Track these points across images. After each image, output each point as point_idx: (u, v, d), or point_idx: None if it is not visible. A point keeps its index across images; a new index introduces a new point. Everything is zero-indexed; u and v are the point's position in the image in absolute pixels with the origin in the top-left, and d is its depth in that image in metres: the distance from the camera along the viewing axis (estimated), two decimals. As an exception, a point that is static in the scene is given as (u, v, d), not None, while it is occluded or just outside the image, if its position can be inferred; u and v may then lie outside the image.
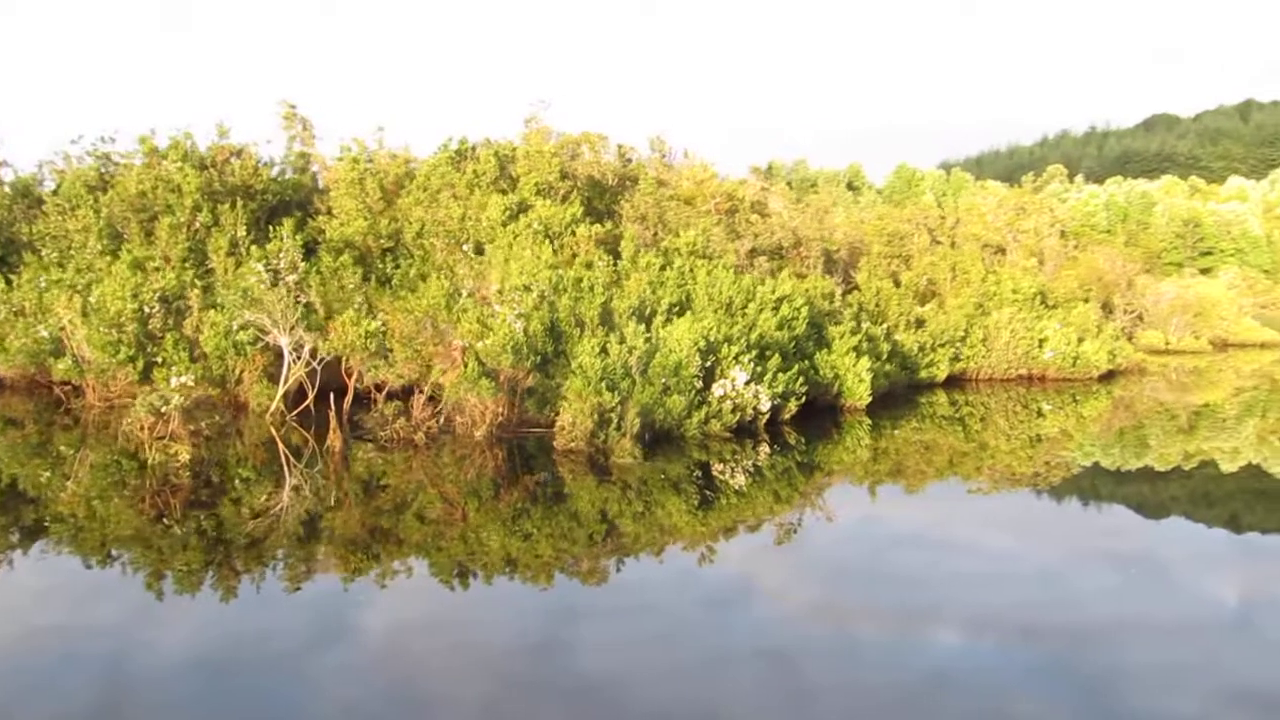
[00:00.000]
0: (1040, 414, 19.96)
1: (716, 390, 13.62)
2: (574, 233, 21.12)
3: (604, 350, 13.71)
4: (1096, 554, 9.19)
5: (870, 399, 16.96)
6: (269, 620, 6.65)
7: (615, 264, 19.37)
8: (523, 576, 7.76)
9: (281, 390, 14.70)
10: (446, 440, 12.80)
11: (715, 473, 11.91)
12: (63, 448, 12.99)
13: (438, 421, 12.80)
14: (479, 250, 21.66)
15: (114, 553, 8.11)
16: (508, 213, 21.83)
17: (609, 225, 22.60)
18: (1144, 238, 79.02)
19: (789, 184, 65.69)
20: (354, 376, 16.21)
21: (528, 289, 15.33)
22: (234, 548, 8.20)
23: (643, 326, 14.26)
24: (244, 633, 6.41)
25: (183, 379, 15.42)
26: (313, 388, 14.67)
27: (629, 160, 29.25)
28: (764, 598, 7.58)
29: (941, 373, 21.52)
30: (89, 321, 16.06)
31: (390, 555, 8.16)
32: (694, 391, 13.48)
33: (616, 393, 12.70)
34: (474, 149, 26.54)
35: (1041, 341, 23.18)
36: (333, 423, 11.82)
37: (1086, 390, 22.84)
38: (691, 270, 17.88)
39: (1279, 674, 6.28)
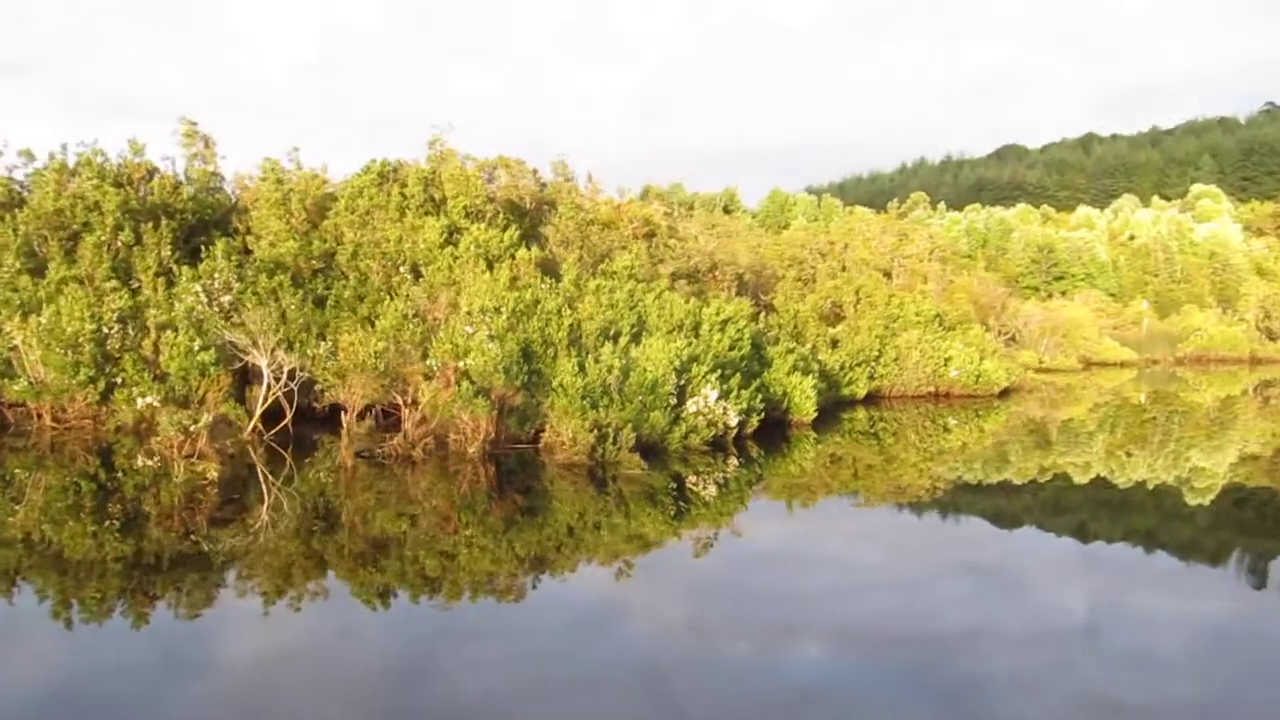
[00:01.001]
0: (947, 429, 21.73)
1: (690, 406, 14.68)
2: (513, 256, 21.87)
3: (582, 369, 14.59)
4: (957, 565, 9.80)
5: (815, 415, 18.34)
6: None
7: (556, 286, 20.21)
8: (448, 594, 7.99)
9: (260, 409, 15.00)
10: (440, 456, 13.46)
11: (690, 485, 12.91)
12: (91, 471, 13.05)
13: (431, 439, 13.42)
14: (416, 272, 22.18)
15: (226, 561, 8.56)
16: (444, 235, 22.41)
17: (534, 249, 23.42)
18: (1002, 262, 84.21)
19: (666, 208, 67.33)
20: (311, 396, 16.65)
21: (498, 311, 16.06)
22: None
23: (610, 347, 15.19)
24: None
25: (148, 399, 15.60)
26: (290, 407, 15.03)
27: (544, 184, 30.12)
28: (643, 615, 7.78)
29: (861, 390, 23.15)
30: (42, 341, 15.95)
31: (363, 571, 8.56)
32: (669, 408, 14.51)
33: (599, 410, 13.63)
34: (395, 170, 26.94)
35: (947, 360, 25.14)
36: (344, 439, 12.33)
37: (988, 406, 24.90)
38: (640, 294, 18.90)
39: (1125, 679, 6.62)
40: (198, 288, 19.39)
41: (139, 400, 15.60)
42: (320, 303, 21.14)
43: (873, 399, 24.39)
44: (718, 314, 18.68)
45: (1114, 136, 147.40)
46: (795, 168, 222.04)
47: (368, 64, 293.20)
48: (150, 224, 21.79)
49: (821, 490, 13.67)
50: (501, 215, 25.99)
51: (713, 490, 12.76)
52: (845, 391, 22.74)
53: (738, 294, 28.29)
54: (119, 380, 16.14)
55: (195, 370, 16.23)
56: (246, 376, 16.95)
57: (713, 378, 15.13)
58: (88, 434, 15.75)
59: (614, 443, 12.87)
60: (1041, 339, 42.54)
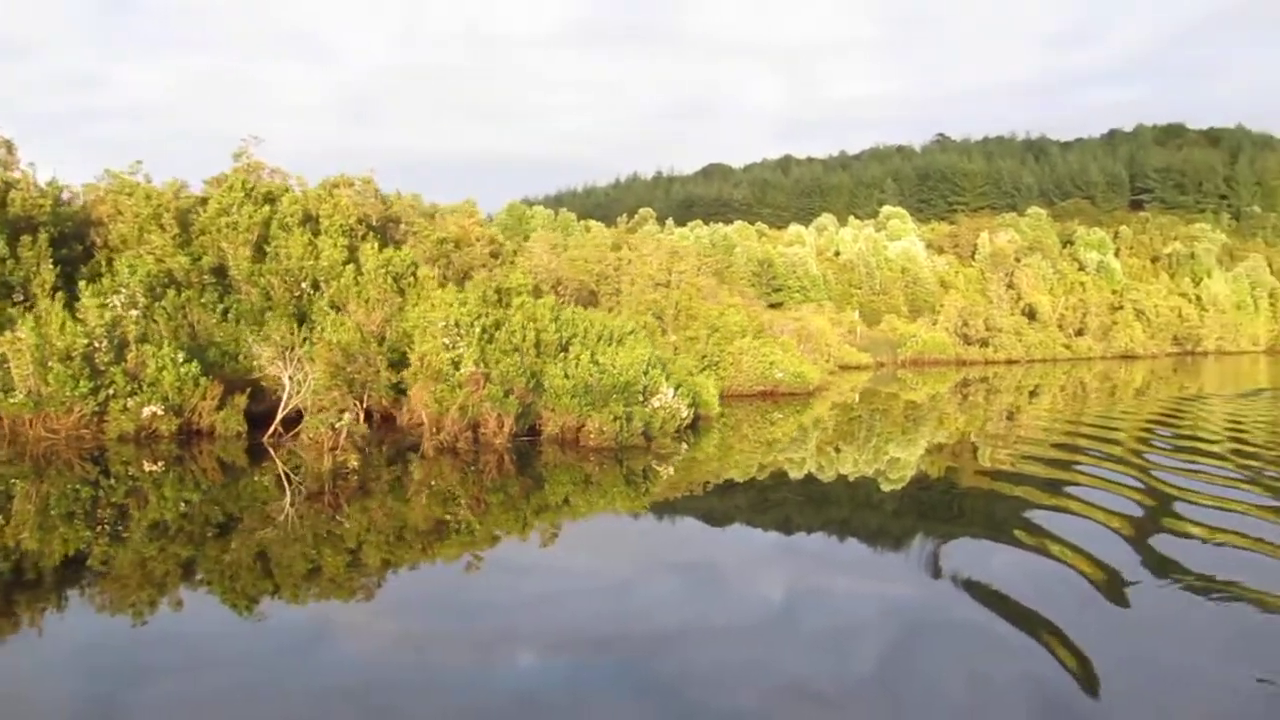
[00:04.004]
0: (773, 423, 26.61)
1: (655, 402, 18.34)
2: (414, 274, 24.39)
3: (566, 374, 17.89)
4: (668, 564, 10.54)
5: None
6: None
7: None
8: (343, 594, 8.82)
9: (281, 415, 17.07)
10: (475, 450, 16.39)
11: (656, 467, 16.58)
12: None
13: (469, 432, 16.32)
14: (316, 288, 24.18)
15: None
16: (345, 253, 24.54)
17: (429, 268, 25.98)
18: (728, 276, 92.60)
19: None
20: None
21: (473, 324, 18.92)
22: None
23: (589, 353, 18.58)
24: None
25: (152, 408, 17.25)
26: (304, 411, 17.24)
27: (388, 202, 32.30)
28: (362, 633, 7.94)
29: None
30: (36, 356, 17.03)
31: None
32: (640, 403, 18.12)
33: (594, 407, 17.06)
34: (253, 186, 28.32)
35: (772, 363, 30.15)
36: (426, 434, 15.01)
37: (805, 402, 30.16)
38: (558, 309, 22.24)
39: (821, 666, 7.27)
40: (117, 302, 20.58)
41: (144, 410, 17.14)
42: (223, 316, 22.67)
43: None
44: (621, 326, 22.36)
45: (809, 159, 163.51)
46: (510, 179, 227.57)
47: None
48: (29, 238, 22.39)
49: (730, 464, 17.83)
50: (372, 234, 28.15)
51: (671, 470, 16.58)
52: (701, 392, 27.06)
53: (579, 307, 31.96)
54: (112, 392, 17.49)
55: (189, 382, 17.93)
56: (229, 387, 18.71)
57: (666, 379, 18.88)
58: (88, 444, 17.05)
59: (626, 430, 16.37)
60: (798, 346, 49.10)
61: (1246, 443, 20.76)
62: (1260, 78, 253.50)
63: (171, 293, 22.00)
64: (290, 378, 16.92)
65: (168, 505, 12.37)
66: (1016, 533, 11.43)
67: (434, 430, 16.05)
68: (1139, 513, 12.53)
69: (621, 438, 16.48)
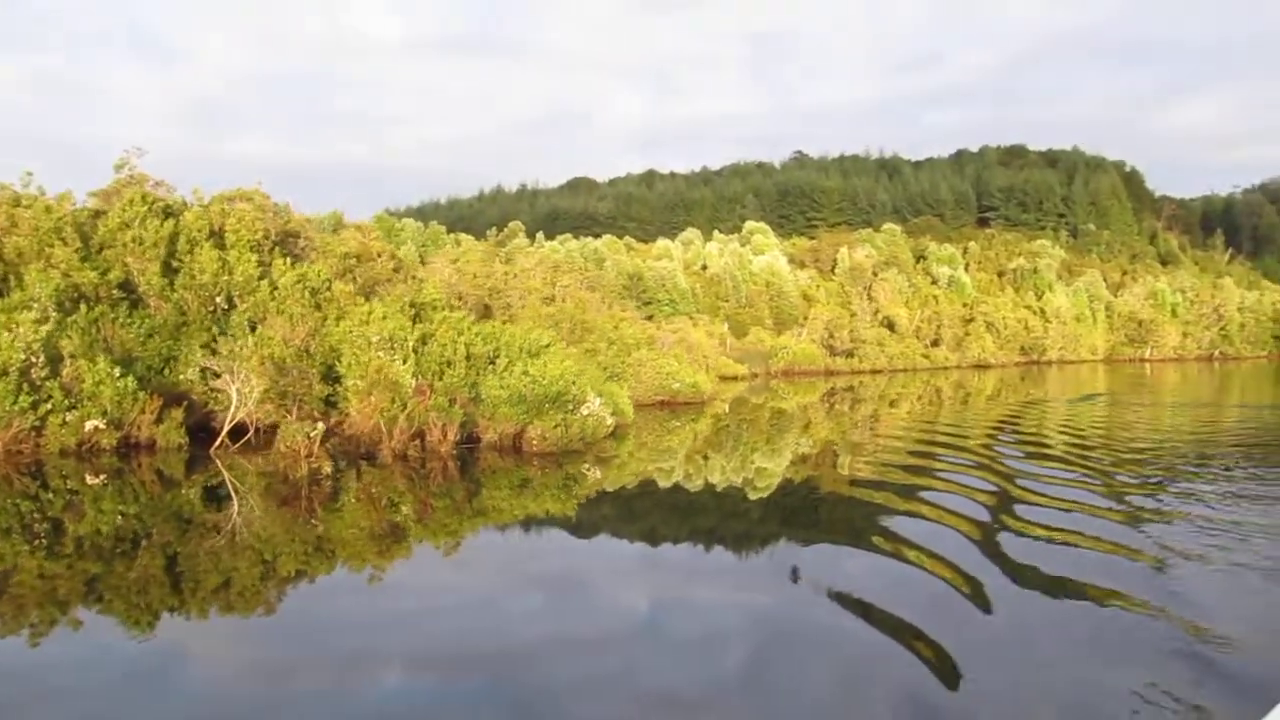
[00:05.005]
0: (669, 431, 28.32)
1: (584, 410, 19.70)
2: (330, 289, 25.09)
3: (503, 385, 19.09)
4: (532, 578, 10.52)
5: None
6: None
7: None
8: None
9: (228, 427, 17.72)
10: (424, 455, 17.44)
11: (586, 472, 17.99)
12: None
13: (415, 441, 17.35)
14: (230, 304, 24.64)
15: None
16: (260, 269, 25.06)
17: (344, 283, 26.65)
18: (600, 289, 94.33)
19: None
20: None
21: (407, 338, 19.91)
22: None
23: (520, 364, 19.81)
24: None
25: (93, 422, 17.72)
26: (251, 425, 17.95)
27: (286, 216, 32.63)
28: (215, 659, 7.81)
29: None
30: (-25, 372, 17.25)
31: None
32: (570, 412, 19.45)
33: (521, 414, 18.34)
34: (154, 200, 28.43)
35: (669, 374, 31.83)
36: (385, 442, 15.99)
37: (699, 410, 31.95)
38: (481, 324, 23.37)
39: (684, 675, 7.30)
40: (33, 316, 20.78)
41: (86, 424, 17.55)
42: (143, 331, 22.99)
43: (619, 408, 30.38)
44: (537, 340, 23.63)
45: (672, 174, 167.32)
46: (371, 190, 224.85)
47: None
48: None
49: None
50: (277, 249, 28.59)
51: (599, 472, 18.05)
52: (607, 402, 28.52)
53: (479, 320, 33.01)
54: (50, 406, 17.81)
55: (129, 396, 18.39)
56: (166, 400, 19.20)
57: (591, 389, 20.27)
58: (27, 459, 17.36)
59: (565, 434, 17.71)
60: (683, 357, 51.07)
61: (1084, 444, 22.22)
62: (1091, 103, 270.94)
63: (84, 308, 22.20)
64: (238, 391, 17.59)
65: (105, 518, 12.81)
66: (875, 539, 11.77)
67: (388, 439, 17.02)
68: (990, 516, 12.98)
69: (562, 443, 17.83)
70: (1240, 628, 8.13)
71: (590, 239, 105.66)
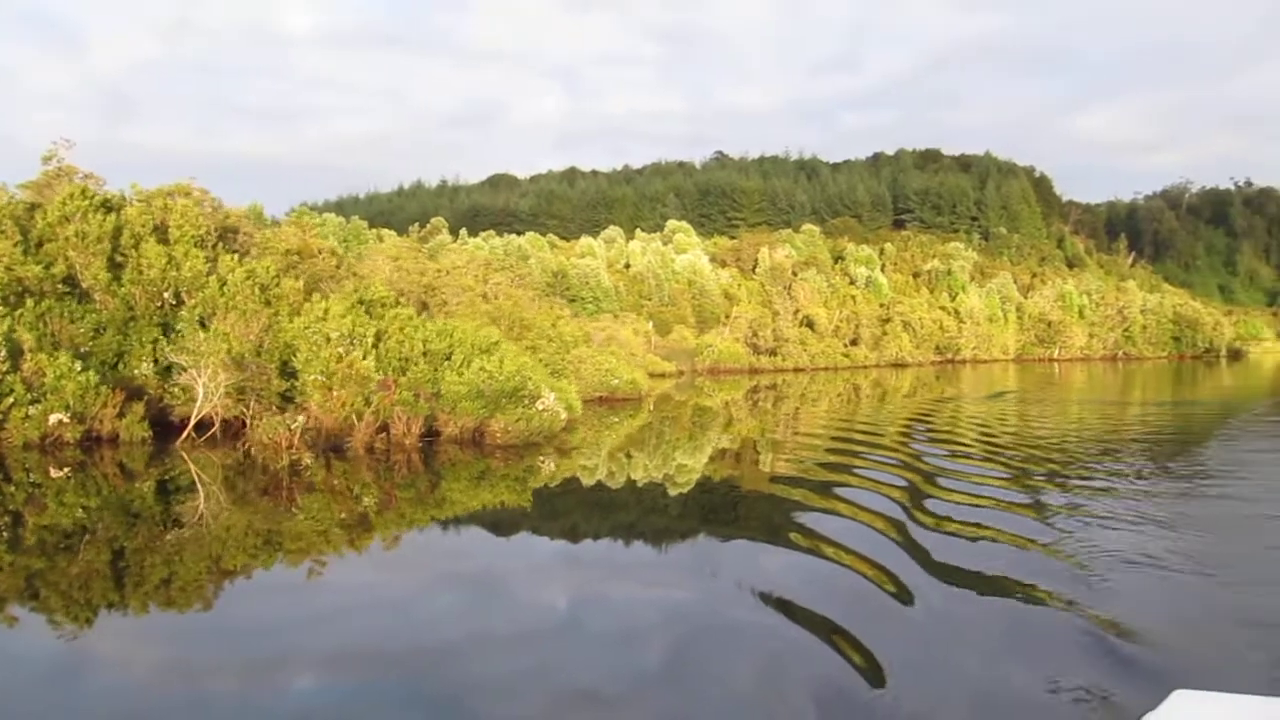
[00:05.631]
0: (608, 427, 29.31)
1: (539, 405, 20.56)
2: (278, 284, 25.49)
3: (463, 381, 19.85)
4: (451, 576, 10.56)
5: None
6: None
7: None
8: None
9: (194, 420, 18.17)
10: (385, 449, 18.12)
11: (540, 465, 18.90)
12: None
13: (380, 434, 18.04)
14: (178, 300, 24.92)
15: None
16: (209, 265, 25.35)
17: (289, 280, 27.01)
18: (525, 287, 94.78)
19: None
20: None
21: (366, 334, 20.52)
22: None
23: (480, 360, 20.58)
24: None
25: (58, 416, 18.07)
26: (216, 418, 18.43)
27: (226, 212, 32.78)
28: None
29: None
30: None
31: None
32: (527, 406, 20.30)
33: (481, 408, 19.15)
34: (94, 194, 28.44)
35: (609, 371, 32.78)
36: (358, 436, 16.66)
37: (637, 407, 32.96)
38: (434, 321, 24.03)
39: (601, 671, 7.43)
40: (-17, 312, 20.94)
41: (51, 417, 17.86)
42: (93, 326, 23.18)
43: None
44: (486, 337, 24.39)
45: (594, 172, 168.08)
46: (287, 183, 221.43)
47: None
48: None
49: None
50: (220, 245, 28.80)
51: (552, 464, 18.99)
52: (550, 398, 29.36)
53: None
54: (13, 400, 18.08)
55: (91, 390, 18.72)
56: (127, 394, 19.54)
57: (545, 385, 21.13)
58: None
59: (526, 427, 18.57)
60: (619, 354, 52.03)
61: (995, 441, 22.95)
62: (1002, 109, 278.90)
63: (31, 302, 22.35)
64: (204, 386, 18.08)
65: (65, 511, 13.17)
66: (793, 535, 11.93)
67: (360, 432, 17.69)
68: (905, 513, 13.19)
69: (523, 436, 18.69)
70: (1146, 619, 8.40)
71: (514, 236, 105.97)
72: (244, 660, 7.59)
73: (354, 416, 17.70)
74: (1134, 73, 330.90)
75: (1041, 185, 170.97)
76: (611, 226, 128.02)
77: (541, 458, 18.80)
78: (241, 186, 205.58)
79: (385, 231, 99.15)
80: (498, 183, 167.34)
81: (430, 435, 19.35)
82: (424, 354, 20.97)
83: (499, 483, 16.19)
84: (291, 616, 8.80)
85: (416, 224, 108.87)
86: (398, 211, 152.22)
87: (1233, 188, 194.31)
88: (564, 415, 21.43)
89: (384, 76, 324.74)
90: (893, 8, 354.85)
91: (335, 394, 17.70)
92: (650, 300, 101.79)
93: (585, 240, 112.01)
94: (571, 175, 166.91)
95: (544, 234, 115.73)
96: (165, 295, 24.92)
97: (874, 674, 7.15)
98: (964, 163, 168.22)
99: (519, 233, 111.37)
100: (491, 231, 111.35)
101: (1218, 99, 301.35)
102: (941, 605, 9.00)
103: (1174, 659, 7.43)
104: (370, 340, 20.53)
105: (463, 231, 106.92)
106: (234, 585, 9.83)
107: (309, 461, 15.82)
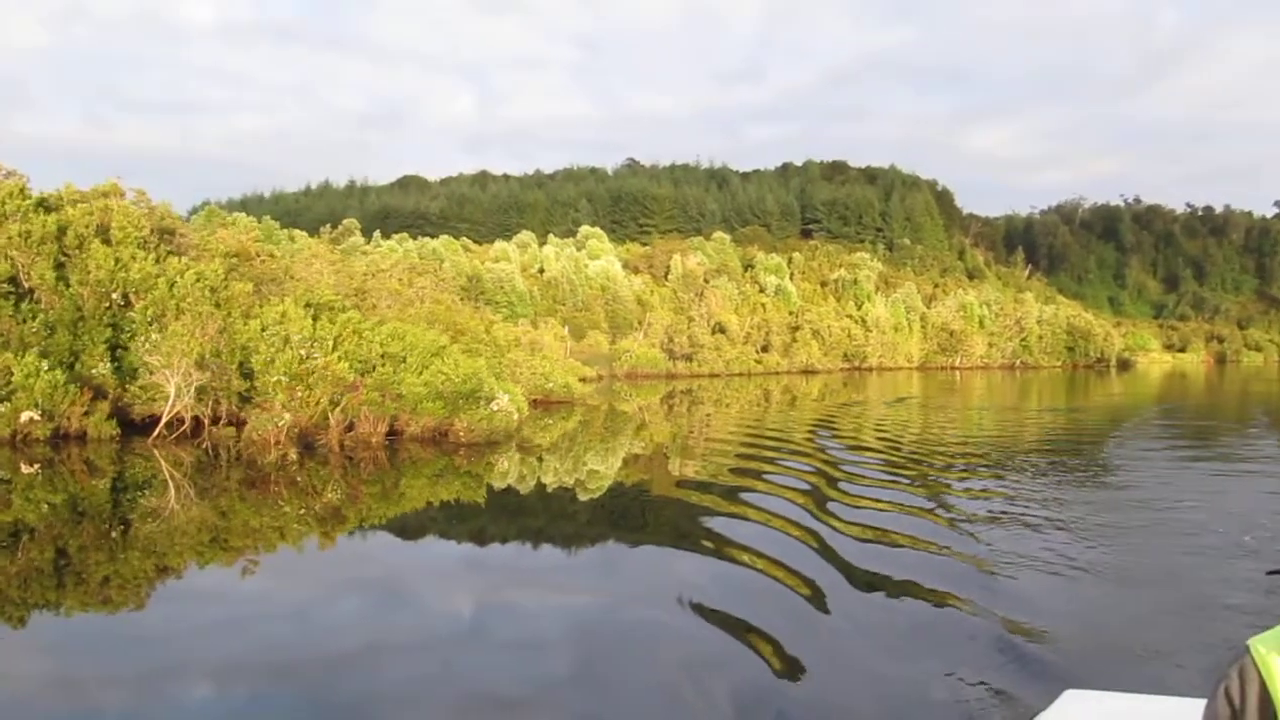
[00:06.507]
0: (545, 429, 30.59)
1: (494, 405, 21.72)
2: (228, 287, 26.12)
3: (425, 383, 20.92)
4: (352, 582, 10.41)
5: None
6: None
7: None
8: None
9: (166, 418, 18.89)
10: (356, 445, 19.11)
11: (492, 461, 20.16)
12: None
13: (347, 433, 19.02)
14: (126, 301, 25.42)
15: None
16: (157, 267, 25.87)
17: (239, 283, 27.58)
18: (449, 291, 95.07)
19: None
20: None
21: (325, 337, 21.43)
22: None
23: (437, 362, 21.65)
24: None
25: (30, 413, 18.69)
26: (188, 416, 19.18)
27: (161, 214, 33.03)
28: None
29: (500, 399, 30.99)
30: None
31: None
32: (484, 407, 21.46)
33: (442, 409, 20.29)
34: (25, 191, 28.60)
35: (544, 375, 33.97)
36: (332, 434, 17.63)
37: (570, 410, 34.23)
38: (383, 326, 24.99)
39: (505, 674, 7.38)
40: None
41: (23, 415, 18.43)
42: (44, 326, 23.56)
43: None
44: (434, 341, 25.43)
45: (505, 176, 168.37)
46: (184, 179, 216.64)
47: None
48: None
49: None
50: (160, 245, 29.19)
51: (509, 463, 20.23)
52: (489, 400, 30.46)
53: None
54: (-17, 398, 18.61)
55: (60, 389, 19.30)
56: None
57: (499, 386, 22.31)
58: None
59: (488, 425, 19.75)
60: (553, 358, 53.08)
61: (899, 445, 23.87)
62: (903, 123, 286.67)
63: (-24, 300, 22.71)
64: (176, 385, 18.83)
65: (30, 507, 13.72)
66: (703, 540, 12.12)
67: (333, 430, 18.66)
68: (812, 517, 13.44)
69: (485, 435, 19.87)
70: (1044, 619, 8.67)
71: (427, 239, 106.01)
72: (137, 671, 7.48)
73: (325, 416, 18.65)
74: (1025, 92, 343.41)
75: (944, 198, 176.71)
76: (524, 231, 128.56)
77: (496, 456, 19.99)
78: (132, 181, 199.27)
79: (296, 232, 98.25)
80: (408, 184, 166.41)
81: (393, 434, 20.37)
82: (382, 356, 21.96)
83: (454, 480, 17.31)
84: (192, 624, 8.64)
85: (328, 225, 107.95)
86: (305, 211, 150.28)
87: (1122, 204, 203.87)
88: (517, 415, 22.61)
89: (289, 72, 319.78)
90: (796, 22, 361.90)
91: (310, 394, 18.63)
92: (565, 305, 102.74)
93: (500, 244, 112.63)
94: (483, 179, 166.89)
95: (457, 237, 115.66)
96: (114, 296, 25.37)
97: (783, 674, 7.33)
98: (870, 175, 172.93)
99: (431, 235, 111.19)
100: (405, 234, 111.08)
101: (1112, 118, 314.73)
102: (849, 607, 9.25)
103: (1070, 658, 7.64)
104: (329, 343, 21.46)
105: (375, 234, 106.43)
106: (165, 586, 9.96)
107: (294, 456, 16.76)
